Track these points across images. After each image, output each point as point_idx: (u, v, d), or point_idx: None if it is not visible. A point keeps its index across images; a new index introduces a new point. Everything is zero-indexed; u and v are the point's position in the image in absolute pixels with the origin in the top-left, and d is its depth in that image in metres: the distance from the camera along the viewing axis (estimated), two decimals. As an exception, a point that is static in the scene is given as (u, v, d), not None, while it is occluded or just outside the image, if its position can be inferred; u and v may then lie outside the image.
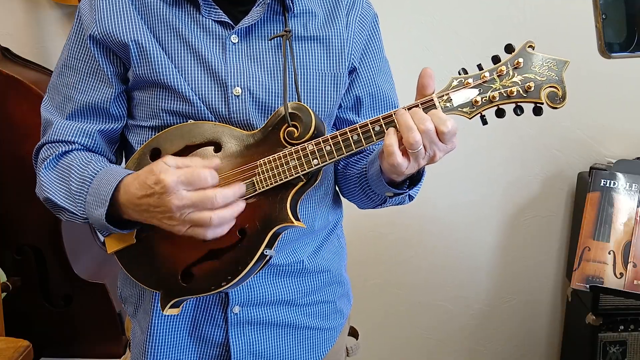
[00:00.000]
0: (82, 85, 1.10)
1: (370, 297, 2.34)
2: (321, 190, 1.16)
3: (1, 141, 1.86)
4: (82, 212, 1.04)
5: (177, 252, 1.05)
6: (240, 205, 0.97)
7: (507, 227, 2.31)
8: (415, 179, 1.07)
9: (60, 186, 1.07)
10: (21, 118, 1.84)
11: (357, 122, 1.16)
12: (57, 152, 1.09)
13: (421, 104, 0.94)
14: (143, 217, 0.98)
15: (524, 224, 2.30)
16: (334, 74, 1.11)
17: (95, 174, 1.04)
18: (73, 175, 1.05)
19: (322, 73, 1.10)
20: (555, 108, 0.94)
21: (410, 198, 1.15)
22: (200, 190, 0.92)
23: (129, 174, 1.01)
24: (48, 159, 1.09)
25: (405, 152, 0.93)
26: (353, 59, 1.14)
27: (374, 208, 1.20)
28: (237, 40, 1.07)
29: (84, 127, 1.10)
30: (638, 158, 2.13)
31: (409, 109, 0.94)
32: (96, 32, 1.06)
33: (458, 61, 1.92)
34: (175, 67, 1.05)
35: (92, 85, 1.10)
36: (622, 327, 2.06)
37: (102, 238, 2.02)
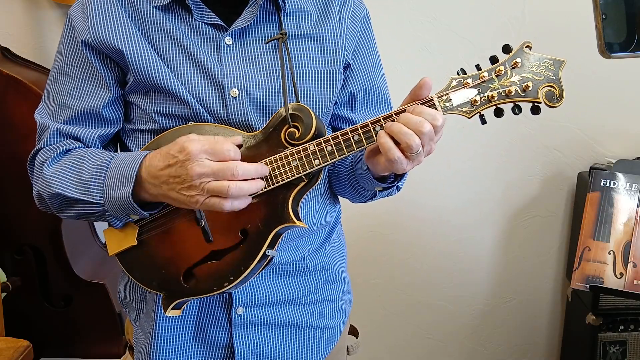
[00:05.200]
0: (78, 91, 1.09)
1: (370, 297, 2.34)
2: (319, 189, 1.17)
3: (1, 141, 1.86)
4: (99, 196, 1.02)
5: (179, 253, 1.05)
6: (260, 184, 0.98)
7: (507, 227, 2.31)
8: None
9: (70, 177, 1.04)
10: (21, 118, 1.83)
11: (351, 118, 1.18)
12: (57, 152, 1.08)
13: (421, 105, 0.95)
14: (162, 190, 0.97)
15: (523, 224, 2.30)
16: (329, 71, 1.11)
17: (111, 159, 1.03)
18: (86, 164, 1.04)
19: (317, 71, 1.11)
20: (553, 107, 0.95)
21: (398, 189, 1.16)
22: (222, 161, 0.94)
23: (149, 152, 1.01)
24: (49, 159, 1.07)
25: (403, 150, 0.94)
26: (347, 55, 1.14)
27: (364, 202, 1.21)
28: (231, 42, 1.07)
29: (82, 132, 1.10)
30: (638, 158, 2.13)
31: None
32: (89, 39, 1.06)
33: (457, 62, 1.92)
34: (171, 71, 1.05)
35: (89, 90, 1.09)
36: (622, 327, 2.07)
37: (103, 239, 2.02)
